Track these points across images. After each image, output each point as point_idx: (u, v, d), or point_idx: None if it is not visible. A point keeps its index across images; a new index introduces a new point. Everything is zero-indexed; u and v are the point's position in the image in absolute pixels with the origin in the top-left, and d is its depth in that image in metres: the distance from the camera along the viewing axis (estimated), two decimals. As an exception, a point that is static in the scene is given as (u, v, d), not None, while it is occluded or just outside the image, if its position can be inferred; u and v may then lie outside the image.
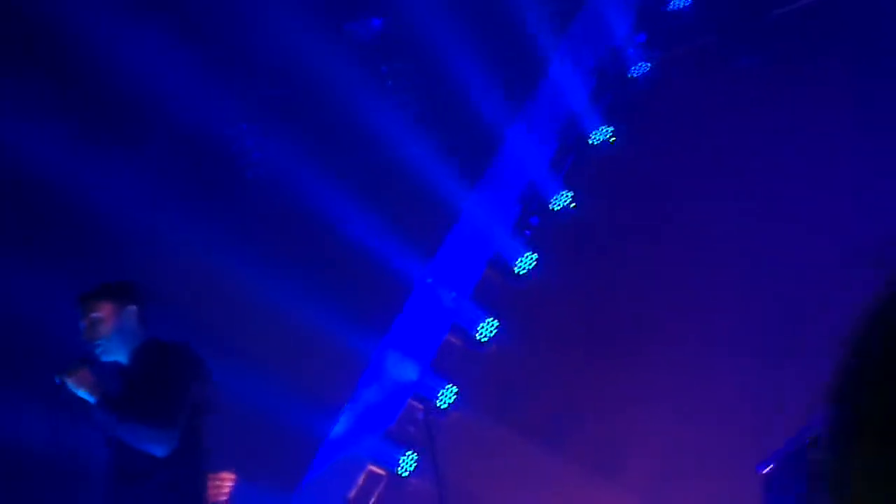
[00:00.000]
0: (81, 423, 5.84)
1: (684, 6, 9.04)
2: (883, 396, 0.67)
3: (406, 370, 8.94)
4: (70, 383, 5.73)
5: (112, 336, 5.98)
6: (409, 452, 8.83)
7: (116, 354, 6.02)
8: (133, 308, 6.07)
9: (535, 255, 9.02)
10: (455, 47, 8.60)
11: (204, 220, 8.49)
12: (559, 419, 8.72)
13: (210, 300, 8.24)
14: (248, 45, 8.70)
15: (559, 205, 9.11)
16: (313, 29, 8.39)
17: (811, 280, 7.99)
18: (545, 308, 9.02)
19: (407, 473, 8.82)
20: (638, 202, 8.99)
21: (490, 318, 8.97)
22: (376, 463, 8.90)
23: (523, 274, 9.02)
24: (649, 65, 9.18)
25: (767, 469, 5.60)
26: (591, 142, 9.16)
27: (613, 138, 9.13)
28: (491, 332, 8.95)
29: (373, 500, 8.89)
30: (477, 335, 8.96)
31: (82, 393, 5.74)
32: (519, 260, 9.03)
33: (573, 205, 9.09)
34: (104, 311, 6.00)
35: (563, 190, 9.12)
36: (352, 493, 8.89)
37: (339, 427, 8.90)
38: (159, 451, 5.75)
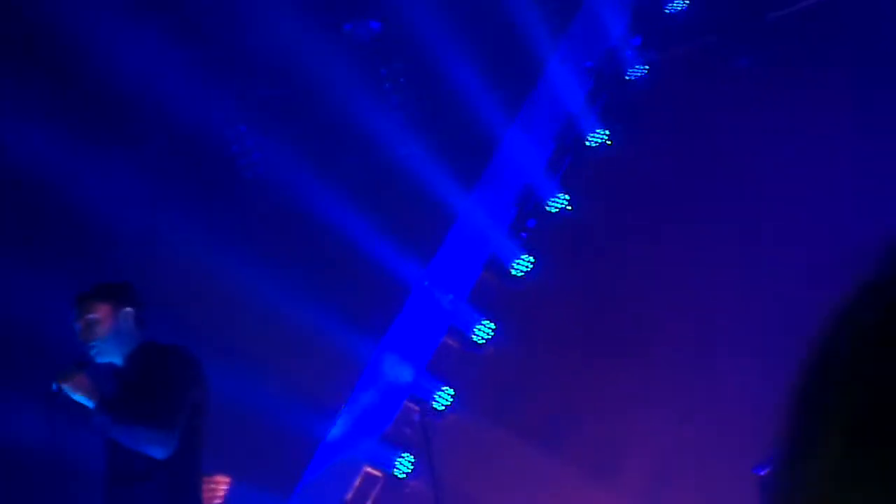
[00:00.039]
0: (80, 425, 5.82)
1: (681, 8, 9.05)
2: (849, 397, 0.67)
3: (403, 372, 8.94)
4: (67, 388, 5.72)
5: (108, 337, 5.96)
6: (406, 454, 8.83)
7: (111, 356, 6.00)
8: (130, 310, 6.06)
9: (531, 258, 9.02)
10: (453, 49, 8.60)
11: (202, 220, 8.49)
12: (556, 421, 8.72)
13: (207, 301, 8.24)
14: (247, 46, 8.70)
15: (556, 207, 9.11)
16: (312, 30, 8.39)
17: (808, 280, 7.99)
18: (542, 310, 9.02)
19: (404, 475, 8.83)
20: (635, 204, 8.99)
21: (487, 320, 8.97)
22: (373, 465, 8.90)
23: (520, 276, 9.02)
24: (646, 66, 9.18)
25: (765, 471, 5.60)
26: (588, 143, 9.16)
27: (610, 140, 9.13)
28: (488, 334, 8.95)
29: (369, 502, 8.89)
30: (474, 337, 8.96)
31: (80, 398, 5.73)
32: (516, 262, 9.03)
33: (570, 207, 9.09)
34: (100, 313, 5.99)
35: (560, 192, 9.12)
36: (349, 495, 8.89)
37: (337, 429, 8.89)
38: (159, 453, 5.74)
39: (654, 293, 8.66)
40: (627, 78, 9.20)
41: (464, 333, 9.00)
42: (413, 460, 8.80)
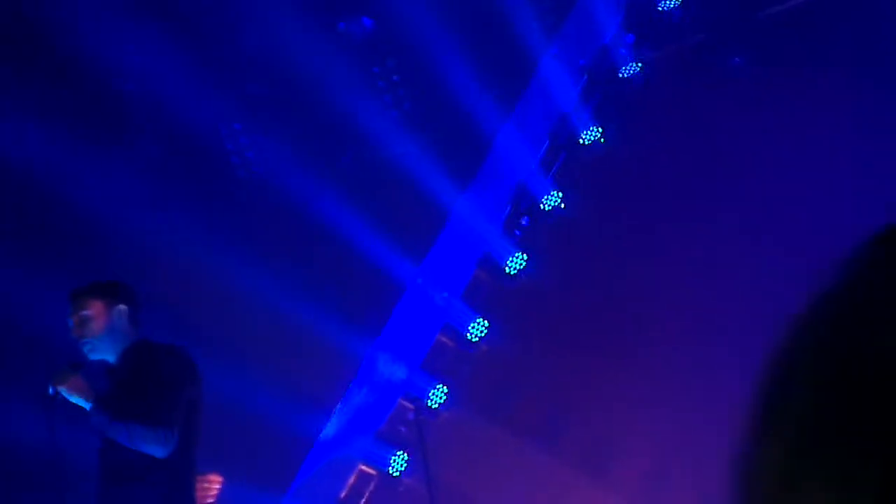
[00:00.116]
0: (78, 425, 5.82)
1: (675, 5, 9.05)
2: (793, 399, 0.68)
3: (397, 370, 8.94)
4: (63, 391, 5.71)
5: (101, 335, 5.96)
6: (400, 452, 8.84)
7: (104, 353, 6.00)
8: (124, 308, 6.05)
9: (525, 256, 9.02)
10: (446, 47, 8.60)
11: (196, 218, 8.49)
12: (550, 419, 8.73)
13: (202, 299, 8.24)
14: (241, 45, 8.70)
15: (550, 205, 9.11)
16: (306, 28, 8.39)
17: (801, 277, 7.99)
18: (536, 308, 9.02)
19: (398, 473, 8.83)
20: (629, 202, 9.00)
21: (481, 318, 8.97)
22: (367, 463, 8.91)
23: (514, 274, 9.02)
24: (640, 64, 9.18)
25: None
26: (581, 141, 9.17)
27: (604, 138, 9.14)
28: (482, 332, 8.95)
29: (364, 500, 8.89)
30: (468, 335, 8.96)
31: (76, 399, 5.72)
32: (509, 260, 9.03)
33: (563, 205, 9.10)
34: (94, 309, 5.98)
35: (554, 190, 9.13)
36: (343, 494, 8.89)
37: (331, 427, 8.90)
38: (160, 452, 5.73)
39: (648, 291, 8.67)
40: (621, 76, 9.20)
41: (458, 331, 9.00)
42: (407, 458, 8.81)
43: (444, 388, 8.88)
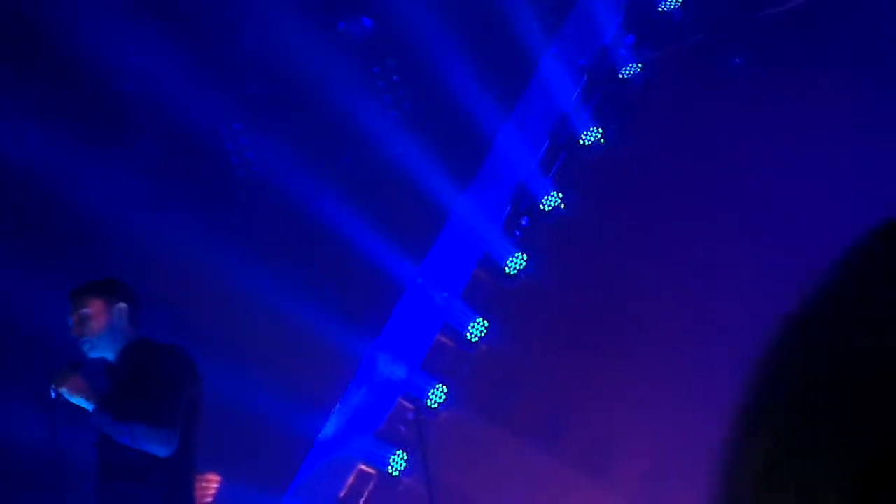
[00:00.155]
0: (81, 425, 5.81)
1: (675, 6, 9.05)
2: (772, 411, 0.68)
3: (397, 370, 8.94)
4: (64, 392, 5.70)
5: (101, 333, 5.95)
6: (400, 452, 8.84)
7: (104, 352, 5.98)
8: (123, 306, 6.04)
9: (525, 256, 9.03)
10: (446, 47, 8.60)
11: (196, 218, 8.49)
12: (550, 419, 8.73)
13: (202, 299, 8.24)
14: (241, 44, 8.70)
15: (549, 205, 9.11)
16: (306, 28, 8.39)
17: (799, 276, 7.99)
18: (535, 308, 9.03)
19: (397, 473, 8.83)
20: (628, 202, 9.00)
21: (480, 318, 8.97)
22: (367, 462, 8.91)
23: (514, 274, 9.03)
24: (640, 64, 9.19)
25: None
26: (581, 142, 9.17)
27: (604, 138, 9.14)
28: (481, 332, 8.96)
29: (363, 499, 8.90)
30: (467, 335, 8.96)
31: (78, 400, 5.71)
32: (509, 260, 9.03)
33: (563, 205, 9.10)
34: (93, 308, 5.97)
35: (554, 190, 9.13)
36: (342, 493, 8.90)
37: (331, 427, 8.90)
38: (162, 451, 5.72)
39: (648, 291, 8.67)
40: (621, 76, 9.21)
41: (458, 331, 9.00)
42: (407, 458, 8.81)
43: (444, 387, 8.88)
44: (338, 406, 8.93)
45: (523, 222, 9.16)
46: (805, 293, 0.74)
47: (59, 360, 6.04)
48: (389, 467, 8.84)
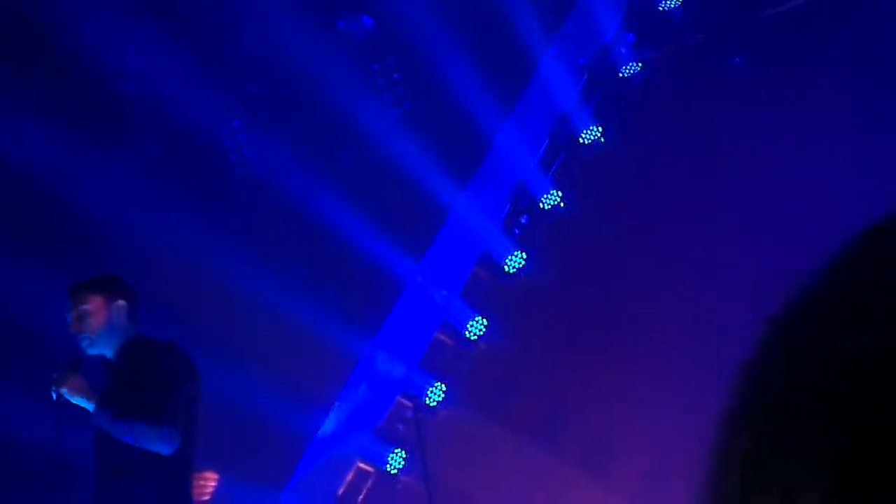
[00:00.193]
0: (83, 424, 5.80)
1: (675, 6, 9.06)
2: (783, 427, 0.69)
3: (395, 368, 8.94)
4: (66, 393, 5.69)
5: (100, 330, 5.94)
6: (398, 450, 8.84)
7: (103, 348, 5.98)
8: (122, 303, 6.03)
9: (524, 254, 9.03)
10: (446, 46, 8.60)
11: (195, 217, 8.49)
12: (549, 418, 8.74)
13: (201, 297, 8.24)
14: (241, 44, 8.71)
15: (549, 204, 9.12)
16: (306, 27, 8.39)
17: (802, 278, 7.99)
18: (535, 307, 9.03)
19: (396, 471, 8.83)
20: (628, 201, 9.00)
21: (479, 316, 8.98)
22: (365, 460, 8.91)
23: (513, 273, 9.03)
24: (640, 64, 9.19)
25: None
26: (581, 141, 9.17)
27: (604, 137, 9.14)
28: (480, 330, 8.96)
29: (361, 497, 8.90)
30: (467, 333, 8.96)
31: (79, 400, 5.70)
32: (509, 258, 9.04)
33: (563, 204, 9.11)
34: (93, 304, 5.96)
35: (553, 189, 9.13)
36: (341, 491, 8.90)
37: (329, 424, 8.90)
38: (165, 449, 5.71)
39: (647, 290, 8.67)
40: (621, 75, 9.21)
41: (457, 329, 9.00)
42: (405, 456, 8.81)
43: (443, 385, 8.88)
44: (337, 404, 8.93)
45: (523, 221, 9.17)
46: (790, 295, 0.75)
47: (59, 357, 6.03)
48: (388, 465, 8.84)
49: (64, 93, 8.30)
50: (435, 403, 8.86)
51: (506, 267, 9.03)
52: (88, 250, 8.15)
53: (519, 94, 9.15)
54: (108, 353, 5.99)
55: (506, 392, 8.87)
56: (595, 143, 9.15)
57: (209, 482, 6.18)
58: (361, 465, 8.94)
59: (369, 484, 8.92)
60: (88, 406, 5.71)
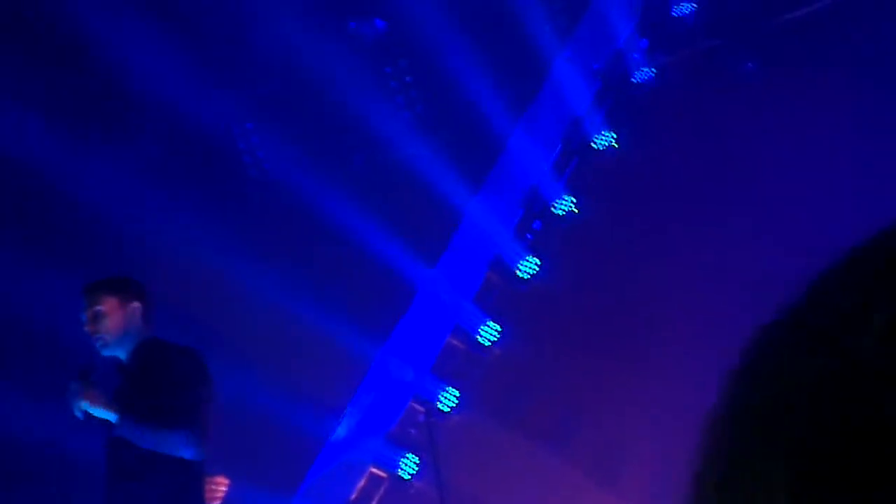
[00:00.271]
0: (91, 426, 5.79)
1: (689, 11, 9.05)
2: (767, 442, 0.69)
3: (408, 373, 8.94)
4: (87, 407, 5.63)
5: (114, 331, 5.90)
6: (411, 455, 8.84)
7: (116, 350, 5.94)
8: (137, 305, 6.01)
9: (537, 259, 9.02)
10: (459, 49, 8.60)
11: (207, 218, 8.49)
12: (562, 422, 8.72)
13: (213, 300, 8.24)
14: (253, 45, 8.71)
15: (562, 209, 9.11)
16: (318, 29, 8.39)
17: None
18: (547, 312, 9.02)
19: (408, 476, 8.83)
20: (641, 206, 8.99)
21: (492, 321, 8.97)
22: (378, 465, 8.91)
23: (526, 278, 9.02)
24: (653, 69, 9.18)
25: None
26: (594, 146, 9.16)
27: (617, 142, 9.13)
28: (493, 335, 8.95)
29: (374, 502, 8.89)
30: (479, 338, 8.96)
31: (99, 412, 5.65)
32: (521, 263, 9.03)
33: (576, 209, 9.10)
34: (107, 305, 5.93)
35: (566, 194, 9.12)
36: (353, 496, 8.89)
37: (341, 429, 8.90)
38: (188, 453, 5.69)
39: (660, 295, 8.66)
40: (634, 80, 9.20)
41: (469, 334, 9.00)
42: (418, 461, 8.80)
43: (455, 391, 8.87)
44: (349, 409, 8.93)
45: (535, 226, 9.16)
46: (784, 302, 0.75)
47: (66, 358, 6.01)
48: (400, 470, 8.83)
49: (78, 93, 8.32)
50: (448, 409, 8.85)
51: (518, 272, 9.03)
52: (100, 251, 8.15)
53: (532, 98, 9.15)
54: (122, 354, 5.96)
55: (518, 397, 8.86)
56: (608, 148, 9.14)
57: (220, 486, 6.16)
58: (374, 470, 8.93)
59: (382, 489, 8.91)
60: (109, 416, 5.67)
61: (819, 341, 0.70)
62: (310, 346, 8.40)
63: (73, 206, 8.14)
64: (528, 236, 9.14)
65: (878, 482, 0.63)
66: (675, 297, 8.59)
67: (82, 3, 7.75)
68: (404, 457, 8.83)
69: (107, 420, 5.68)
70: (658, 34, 9.19)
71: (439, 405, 8.83)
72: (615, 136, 9.14)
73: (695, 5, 9.04)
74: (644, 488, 8.34)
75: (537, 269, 9.02)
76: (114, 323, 5.92)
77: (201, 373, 5.91)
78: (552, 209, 9.11)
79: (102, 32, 7.86)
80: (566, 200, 9.11)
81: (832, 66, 8.47)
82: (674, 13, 9.10)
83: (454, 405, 8.85)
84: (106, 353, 5.95)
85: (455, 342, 9.06)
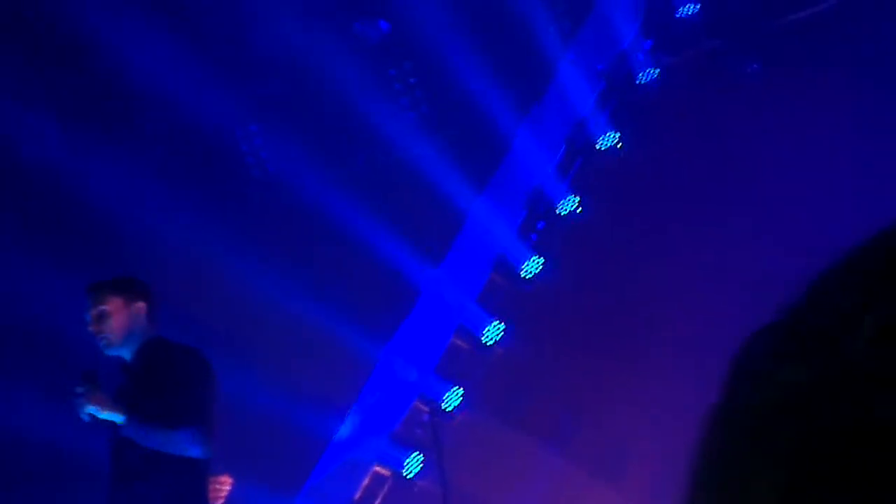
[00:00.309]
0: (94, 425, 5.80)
1: (693, 12, 9.05)
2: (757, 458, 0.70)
3: (412, 372, 8.95)
4: (95, 412, 5.63)
5: (118, 331, 5.90)
6: (415, 454, 8.85)
7: (120, 350, 5.94)
8: (142, 305, 6.01)
9: (541, 260, 9.03)
10: (463, 50, 8.61)
11: (211, 218, 8.51)
12: (565, 422, 8.74)
13: (217, 300, 8.26)
14: (257, 46, 8.72)
15: (566, 209, 9.12)
16: (322, 30, 8.40)
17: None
18: (551, 312, 9.03)
19: (412, 475, 8.84)
20: (645, 207, 9.00)
21: (496, 321, 8.98)
22: (382, 464, 8.92)
23: (529, 278, 9.03)
24: (657, 70, 9.19)
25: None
26: (598, 146, 9.17)
27: (620, 143, 9.14)
28: (497, 335, 8.96)
29: (378, 501, 8.90)
30: (483, 338, 8.97)
31: (107, 415, 5.65)
32: (525, 264, 9.04)
33: (580, 209, 9.10)
34: (112, 305, 5.93)
35: (570, 194, 9.13)
36: (357, 495, 8.90)
37: (345, 429, 8.91)
38: (197, 452, 5.70)
39: (663, 295, 8.67)
40: (638, 81, 9.21)
41: (473, 334, 9.01)
42: (422, 460, 8.81)
43: (460, 390, 8.88)
44: (353, 408, 8.94)
45: (539, 226, 9.17)
46: (780, 305, 0.76)
47: (69, 357, 6.02)
48: (404, 469, 8.85)
49: (81, 93, 8.33)
50: (451, 408, 8.86)
51: (522, 272, 9.04)
52: (103, 251, 8.17)
53: (536, 98, 9.15)
54: (126, 354, 5.97)
55: (522, 396, 8.87)
56: (612, 148, 9.15)
57: (224, 486, 6.17)
58: (378, 469, 8.94)
59: (386, 488, 8.92)
60: (116, 418, 5.66)
61: (815, 342, 0.70)
62: (314, 345, 8.41)
63: (77, 206, 8.16)
64: (532, 236, 9.15)
65: (869, 483, 0.64)
66: (679, 298, 8.60)
67: (87, 3, 7.76)
68: (408, 456, 8.84)
69: (112, 421, 5.69)
70: (662, 35, 9.20)
71: (443, 404, 8.84)
72: (619, 136, 9.14)
73: (699, 6, 9.04)
74: (646, 487, 8.35)
75: (541, 269, 9.02)
76: (118, 323, 5.92)
77: (206, 372, 5.92)
78: (556, 210, 9.12)
79: (106, 32, 7.87)
80: (570, 201, 9.11)
81: (836, 66, 8.47)
82: (678, 14, 9.10)
83: (458, 405, 8.86)
84: (110, 352, 5.95)
85: (459, 342, 9.07)
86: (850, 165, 8.16)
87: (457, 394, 8.87)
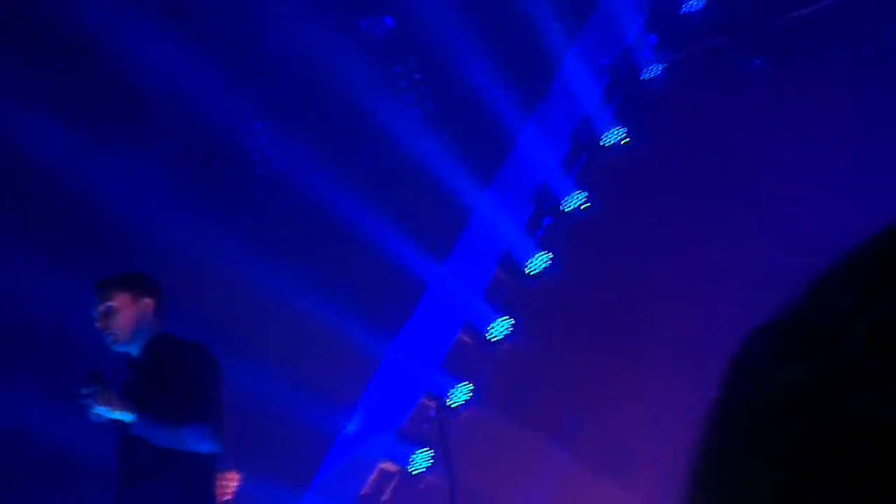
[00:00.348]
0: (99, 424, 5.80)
1: (697, 8, 9.05)
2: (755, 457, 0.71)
3: (419, 368, 8.96)
4: (104, 412, 5.63)
5: (126, 327, 5.91)
6: (422, 450, 8.86)
7: (128, 346, 5.94)
8: (149, 301, 6.01)
9: (547, 255, 9.04)
10: (468, 46, 8.61)
11: (216, 215, 8.52)
12: (572, 418, 8.74)
13: (223, 297, 8.26)
14: (262, 43, 8.72)
15: (571, 205, 9.12)
16: (327, 27, 8.41)
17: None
18: (557, 308, 9.03)
19: (419, 471, 8.85)
20: (650, 203, 9.00)
21: (502, 317, 8.98)
22: (389, 460, 8.93)
23: (535, 274, 9.04)
24: (662, 65, 9.19)
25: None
26: (603, 142, 9.17)
27: (626, 139, 9.14)
28: (503, 330, 8.97)
29: (385, 497, 8.91)
30: (489, 334, 8.98)
31: (116, 414, 5.65)
32: (531, 260, 9.05)
33: (585, 205, 9.11)
34: (119, 301, 5.93)
35: (576, 190, 9.13)
36: (364, 491, 8.92)
37: (353, 425, 8.92)
38: (207, 446, 5.70)
39: (668, 292, 8.67)
40: (643, 77, 9.21)
41: (479, 330, 9.02)
42: (430, 455, 8.82)
43: (468, 385, 8.89)
44: (360, 404, 8.95)
45: (545, 222, 9.17)
46: (781, 305, 0.77)
47: (75, 355, 6.02)
48: (411, 465, 8.86)
49: (86, 91, 8.34)
50: (458, 404, 8.86)
51: (528, 268, 9.04)
52: (109, 249, 8.18)
53: (541, 94, 9.15)
54: (134, 350, 5.97)
55: (528, 392, 8.87)
56: (617, 144, 9.15)
57: (231, 482, 6.18)
58: (385, 465, 8.95)
59: (393, 484, 8.94)
60: (125, 417, 5.66)
61: (815, 342, 0.71)
62: (321, 342, 8.42)
63: (81, 205, 8.16)
64: (538, 233, 9.16)
65: (869, 483, 0.65)
66: (684, 295, 8.60)
67: (89, 2, 7.77)
68: (415, 452, 8.85)
69: (120, 420, 5.69)
70: (667, 31, 9.20)
71: (450, 400, 8.85)
72: (624, 132, 9.14)
73: (703, 1, 9.05)
74: (651, 483, 8.36)
75: (547, 265, 9.03)
76: (126, 319, 5.92)
77: (213, 367, 5.93)
78: (562, 206, 9.12)
79: (112, 31, 7.88)
80: (576, 197, 9.12)
81: (840, 64, 8.47)
82: (682, 10, 9.10)
83: (465, 400, 8.87)
84: (117, 348, 5.95)
85: (465, 338, 9.08)
86: (850, 165, 8.16)
87: (465, 389, 8.87)
